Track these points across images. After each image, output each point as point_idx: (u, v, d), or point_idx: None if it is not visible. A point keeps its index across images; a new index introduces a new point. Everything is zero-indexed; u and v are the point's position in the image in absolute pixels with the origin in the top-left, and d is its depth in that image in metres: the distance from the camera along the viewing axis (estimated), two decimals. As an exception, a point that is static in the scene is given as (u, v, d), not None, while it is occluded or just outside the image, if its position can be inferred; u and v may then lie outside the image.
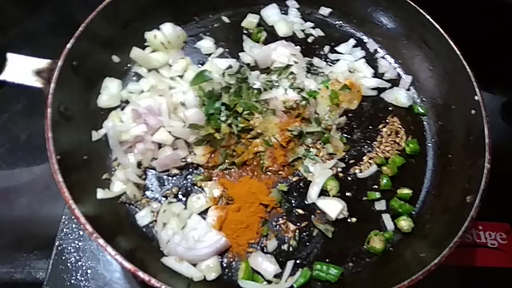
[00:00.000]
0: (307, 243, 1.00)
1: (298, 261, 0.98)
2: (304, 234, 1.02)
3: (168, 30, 1.19)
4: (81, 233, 1.06)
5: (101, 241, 0.80)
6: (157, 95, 1.09)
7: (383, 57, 1.31)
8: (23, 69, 0.95)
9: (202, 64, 1.22)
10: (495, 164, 0.98)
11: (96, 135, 1.04)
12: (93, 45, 1.07)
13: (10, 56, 0.94)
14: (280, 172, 1.08)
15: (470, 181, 0.98)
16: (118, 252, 0.79)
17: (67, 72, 0.99)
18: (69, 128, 0.97)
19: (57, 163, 0.87)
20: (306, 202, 1.05)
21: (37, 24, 1.48)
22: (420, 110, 1.21)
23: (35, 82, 0.95)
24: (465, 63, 1.10)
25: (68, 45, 1.00)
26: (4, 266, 1.12)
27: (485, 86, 1.12)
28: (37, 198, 1.20)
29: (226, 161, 1.08)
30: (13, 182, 1.24)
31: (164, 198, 1.03)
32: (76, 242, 1.05)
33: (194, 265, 0.94)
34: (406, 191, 1.08)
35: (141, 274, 0.78)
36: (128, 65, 1.19)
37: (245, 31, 1.30)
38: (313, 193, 1.05)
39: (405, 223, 1.03)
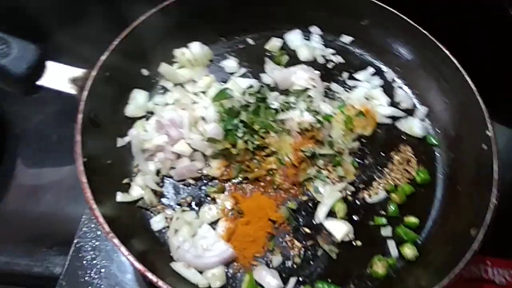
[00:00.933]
0: (311, 262, 1.03)
1: (301, 279, 1.01)
2: (309, 252, 1.05)
3: (196, 49, 1.26)
4: (98, 233, 1.11)
5: (116, 241, 0.85)
6: (180, 108, 1.16)
7: (400, 87, 1.34)
8: (60, 76, 1.02)
9: (225, 82, 1.28)
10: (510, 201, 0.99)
11: (121, 142, 1.11)
12: (125, 58, 1.14)
13: (49, 63, 1.02)
14: (290, 191, 1.12)
15: (477, 215, 0.99)
16: (131, 252, 0.84)
17: (100, 82, 1.06)
18: (96, 133, 1.04)
19: (83, 165, 0.93)
20: (314, 222, 1.08)
21: (77, 34, 1.56)
22: (433, 141, 1.23)
23: (70, 89, 1.02)
24: (479, 97, 1.12)
25: (103, 57, 1.08)
26: (25, 259, 1.17)
27: (501, 119, 1.14)
28: (62, 197, 1.26)
29: (240, 175, 1.13)
30: (41, 180, 1.30)
31: (178, 206, 1.08)
32: (93, 241, 1.10)
33: (201, 272, 0.98)
34: (413, 219, 1.10)
35: (150, 275, 0.83)
36: (156, 78, 1.26)
37: (268, 54, 1.36)
38: (321, 214, 1.08)
39: (409, 251, 1.04)
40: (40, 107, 1.40)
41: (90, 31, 1.55)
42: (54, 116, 1.39)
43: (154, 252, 0.98)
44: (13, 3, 1.42)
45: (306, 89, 1.24)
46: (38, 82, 1.00)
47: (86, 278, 1.07)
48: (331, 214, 1.09)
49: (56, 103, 1.39)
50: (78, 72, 1.04)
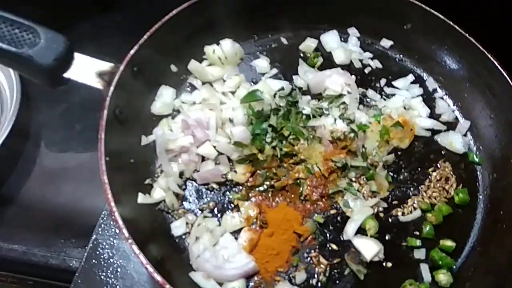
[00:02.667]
0: (337, 281, 0.98)
1: (325, 299, 0.96)
2: (335, 271, 0.99)
3: (227, 46, 1.21)
4: (117, 231, 1.09)
5: (135, 247, 0.81)
6: (207, 108, 1.11)
7: (441, 98, 1.26)
8: (87, 69, 0.99)
9: (255, 82, 1.23)
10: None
11: (145, 140, 1.07)
12: (155, 53, 1.10)
13: (77, 55, 0.99)
14: (318, 203, 1.06)
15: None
16: (149, 261, 0.81)
17: (127, 77, 1.02)
18: (121, 130, 1.00)
19: (105, 164, 0.90)
20: (342, 238, 1.03)
21: (105, 24, 1.55)
22: (475, 158, 1.15)
23: (97, 83, 0.99)
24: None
25: (132, 51, 1.04)
26: (42, 249, 1.16)
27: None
28: (82, 188, 1.24)
29: (266, 183, 1.07)
30: (63, 169, 1.29)
31: (200, 211, 1.04)
32: (112, 239, 1.08)
33: (220, 284, 0.93)
34: (449, 243, 1.02)
35: (167, 285, 0.79)
36: (184, 76, 1.22)
37: (301, 55, 1.30)
38: (350, 230, 1.02)
39: (443, 277, 0.97)
40: (65, 95, 1.39)
41: (120, 19, 1.54)
42: (78, 105, 1.38)
43: (172, 259, 0.95)
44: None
45: (341, 95, 1.18)
46: (65, 75, 0.97)
47: (102, 277, 1.04)
48: (361, 231, 1.03)
49: (81, 92, 1.37)
50: (106, 66, 1.00)
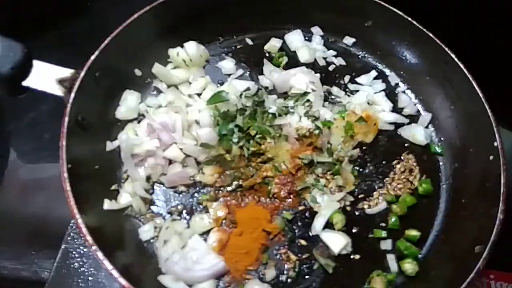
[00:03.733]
0: (306, 276, 0.99)
1: (295, 294, 0.96)
2: (305, 266, 1.00)
3: (192, 49, 1.21)
4: (86, 239, 1.08)
5: (99, 254, 0.81)
6: (173, 111, 1.11)
7: (403, 92, 1.29)
8: (47, 76, 0.98)
9: (221, 84, 1.23)
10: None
11: (110, 146, 1.07)
12: (117, 58, 1.10)
13: (36, 63, 0.97)
14: (286, 200, 1.07)
15: (482, 230, 0.94)
16: (115, 267, 0.80)
17: (89, 83, 1.01)
18: (84, 137, 1.00)
19: (67, 171, 0.89)
20: (310, 234, 1.04)
21: (69, 32, 1.53)
22: (437, 149, 1.18)
23: (57, 91, 0.98)
24: (487, 106, 1.07)
25: (92, 57, 1.03)
26: (13, 262, 1.14)
27: (506, 123, 1.08)
28: (53, 198, 1.21)
29: (234, 183, 1.08)
30: (33, 180, 1.27)
31: (168, 215, 1.04)
32: (81, 248, 1.06)
33: (190, 286, 0.93)
34: (414, 232, 1.05)
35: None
36: (149, 79, 1.21)
37: (267, 55, 1.31)
38: (318, 225, 1.03)
39: (409, 266, 1.00)
40: (31, 104, 1.36)
41: (84, 27, 1.52)
42: (46, 114, 1.35)
43: (140, 264, 0.94)
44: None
45: (305, 93, 1.19)
46: (24, 83, 0.95)
47: (73, 287, 1.02)
48: (329, 225, 1.04)
49: (49, 100, 1.30)
50: (66, 72, 0.99)
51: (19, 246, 1.16)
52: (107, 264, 0.80)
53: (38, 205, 1.22)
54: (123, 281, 0.79)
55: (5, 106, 1.37)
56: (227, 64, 1.27)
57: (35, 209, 1.22)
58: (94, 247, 0.81)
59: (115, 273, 0.79)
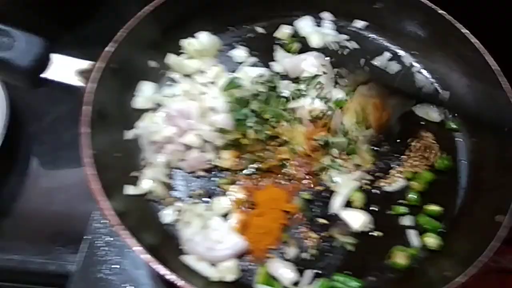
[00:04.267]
0: (328, 254, 0.99)
1: (317, 271, 0.97)
2: (325, 244, 1.00)
3: (204, 39, 1.24)
4: (111, 228, 1.10)
5: (123, 232, 0.83)
6: (189, 99, 1.13)
7: (419, 72, 1.29)
8: (66, 68, 1.01)
9: (234, 72, 1.25)
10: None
11: (128, 135, 1.09)
12: (132, 49, 1.12)
13: (54, 56, 1.01)
14: (304, 181, 1.08)
15: (502, 201, 0.94)
16: (143, 246, 0.82)
17: (106, 74, 1.03)
18: (104, 126, 1.02)
19: (90, 158, 0.91)
20: (329, 212, 1.04)
21: (83, 30, 1.57)
22: (453, 125, 1.18)
23: (77, 81, 1.01)
24: (501, 80, 1.07)
25: (107, 48, 1.06)
26: (39, 257, 1.18)
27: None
28: (75, 196, 1.25)
29: (252, 166, 1.09)
30: (55, 179, 1.31)
31: (189, 198, 1.06)
32: (106, 237, 1.09)
33: (213, 265, 0.95)
34: (434, 207, 1.04)
35: (159, 267, 0.80)
36: (164, 70, 1.23)
37: (278, 42, 1.32)
38: (336, 204, 1.04)
39: (432, 240, 0.99)
40: (50, 106, 1.41)
41: (100, 25, 1.56)
42: (67, 115, 1.40)
43: (164, 245, 0.95)
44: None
45: (316, 76, 1.20)
46: (43, 75, 0.99)
47: (99, 274, 1.06)
48: (348, 204, 1.05)
49: (67, 102, 1.40)
50: (85, 64, 1.02)
51: (43, 242, 1.20)
52: (132, 241, 0.82)
53: (59, 204, 1.26)
54: (147, 256, 0.80)
55: (25, 109, 1.40)
56: (239, 53, 1.29)
57: (57, 208, 1.26)
58: (117, 226, 0.83)
59: (139, 249, 0.81)
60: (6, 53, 0.94)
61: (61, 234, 1.21)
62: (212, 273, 0.93)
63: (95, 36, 1.48)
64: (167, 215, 1.02)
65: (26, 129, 1.38)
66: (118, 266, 1.06)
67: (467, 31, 1.16)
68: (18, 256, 1.17)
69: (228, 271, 0.94)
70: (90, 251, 1.08)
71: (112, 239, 1.09)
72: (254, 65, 1.27)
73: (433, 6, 1.21)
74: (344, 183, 1.06)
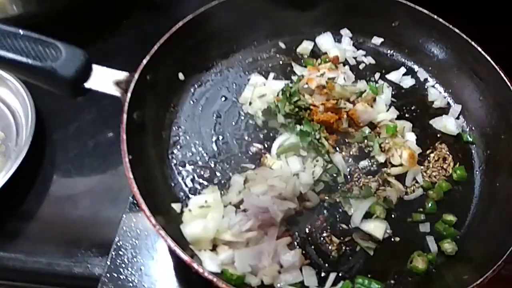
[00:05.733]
0: (350, 257, 1.04)
1: (340, 274, 1.01)
2: (347, 248, 1.05)
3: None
4: (138, 231, 1.14)
5: (162, 232, 0.88)
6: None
7: (433, 86, 1.35)
8: (105, 79, 1.06)
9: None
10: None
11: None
12: (164, 62, 1.19)
13: (95, 67, 1.07)
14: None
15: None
16: (178, 244, 0.87)
17: (142, 84, 1.09)
18: (139, 132, 1.08)
19: (129, 162, 0.97)
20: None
21: (110, 44, 1.63)
22: (469, 138, 1.23)
23: (115, 91, 1.06)
24: (515, 94, 1.12)
25: (144, 61, 1.12)
26: (65, 260, 1.20)
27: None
28: (98, 201, 1.29)
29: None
30: (79, 185, 1.34)
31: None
32: (133, 239, 1.13)
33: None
34: (451, 217, 1.09)
35: (195, 266, 0.85)
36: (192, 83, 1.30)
37: (299, 56, 1.39)
38: (356, 218, 1.07)
39: (449, 246, 1.04)
40: (76, 114, 1.46)
41: (126, 39, 1.63)
42: (90, 123, 1.44)
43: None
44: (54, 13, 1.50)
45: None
46: (85, 85, 1.05)
47: (127, 276, 1.09)
48: (366, 215, 1.08)
49: (92, 110, 1.46)
50: (122, 75, 1.08)
51: (70, 246, 1.22)
52: (170, 242, 0.87)
53: (84, 208, 1.28)
54: (185, 256, 0.85)
55: (51, 117, 1.44)
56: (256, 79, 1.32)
57: (82, 212, 1.28)
58: (157, 227, 0.88)
59: (177, 249, 0.86)
60: (52, 63, 0.99)
61: (86, 237, 1.24)
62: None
63: (122, 49, 1.58)
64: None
65: (51, 137, 1.42)
66: (145, 268, 1.10)
67: (481, 49, 1.22)
68: (44, 258, 1.20)
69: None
70: (118, 253, 1.11)
71: (139, 241, 1.12)
72: (277, 78, 1.33)
73: (448, 25, 1.28)
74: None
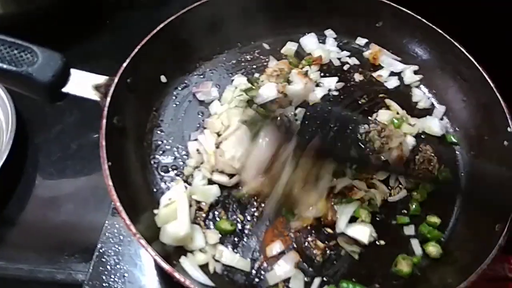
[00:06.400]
0: (335, 262, 1.03)
1: (324, 279, 1.01)
2: (332, 252, 1.04)
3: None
4: (121, 237, 1.13)
5: (143, 241, 0.86)
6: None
7: (417, 87, 1.35)
8: (83, 83, 1.04)
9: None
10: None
11: None
12: (145, 65, 1.17)
13: (73, 71, 1.04)
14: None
15: (501, 211, 0.98)
16: (158, 253, 0.86)
17: (122, 88, 1.08)
18: (120, 138, 1.06)
19: (108, 168, 0.95)
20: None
21: (94, 45, 1.61)
22: (453, 139, 1.23)
23: (94, 96, 1.04)
24: (498, 95, 1.13)
25: (124, 64, 1.10)
26: (47, 266, 1.18)
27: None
28: (81, 206, 1.27)
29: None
30: (61, 189, 1.32)
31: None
32: (116, 246, 1.11)
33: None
34: (435, 219, 1.09)
35: (177, 275, 0.84)
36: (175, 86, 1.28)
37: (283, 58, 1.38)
38: (341, 223, 1.05)
39: (433, 249, 1.04)
40: (58, 117, 1.43)
41: (108, 40, 1.60)
42: (73, 126, 1.42)
43: (177, 254, 0.99)
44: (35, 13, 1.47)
45: None
46: (63, 89, 1.02)
47: (110, 283, 1.07)
48: (352, 219, 1.07)
49: (74, 113, 1.43)
50: (101, 79, 1.06)
51: (52, 252, 1.20)
52: (150, 250, 0.85)
53: (66, 213, 1.26)
54: (166, 266, 0.84)
55: (32, 121, 1.42)
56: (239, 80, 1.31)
57: (64, 217, 1.26)
58: (137, 235, 0.86)
59: (158, 258, 0.84)
60: (28, 68, 0.97)
61: (69, 243, 1.22)
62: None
63: (106, 50, 1.56)
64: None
65: (33, 140, 1.40)
66: (128, 274, 1.08)
67: (464, 49, 1.22)
68: (26, 265, 1.17)
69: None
70: (100, 259, 1.10)
71: (122, 248, 1.11)
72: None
73: (432, 25, 1.28)
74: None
